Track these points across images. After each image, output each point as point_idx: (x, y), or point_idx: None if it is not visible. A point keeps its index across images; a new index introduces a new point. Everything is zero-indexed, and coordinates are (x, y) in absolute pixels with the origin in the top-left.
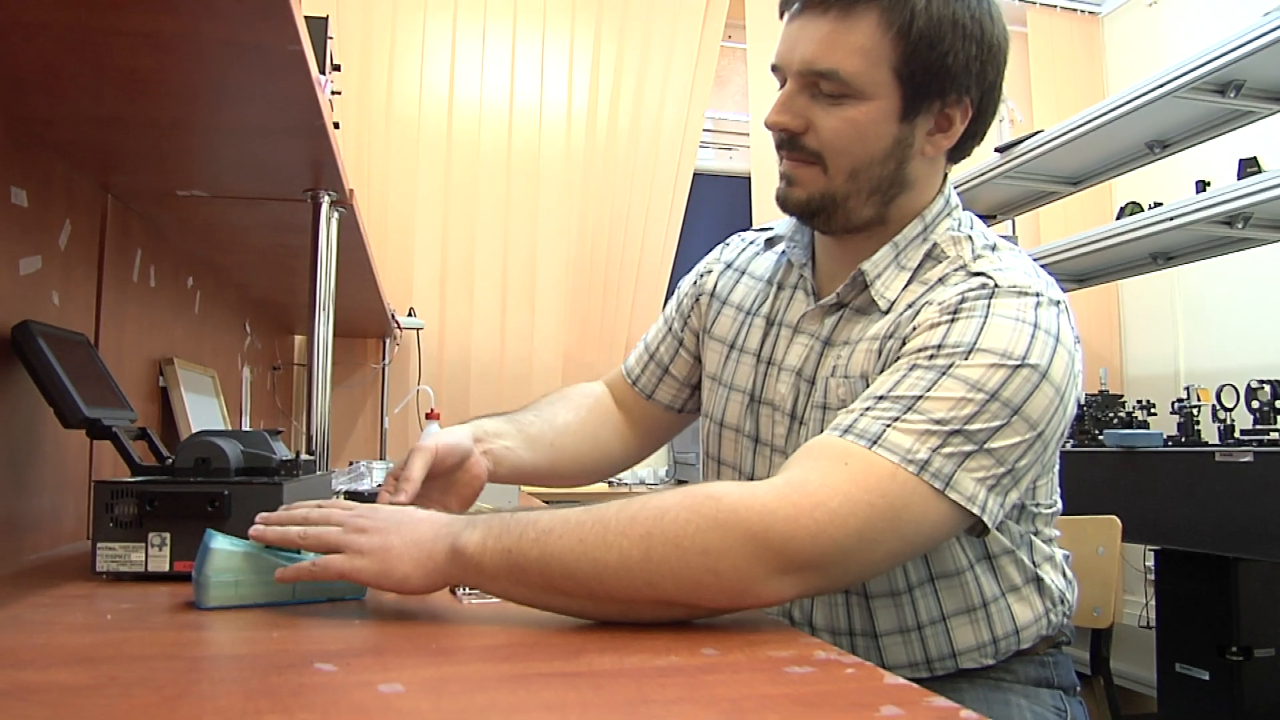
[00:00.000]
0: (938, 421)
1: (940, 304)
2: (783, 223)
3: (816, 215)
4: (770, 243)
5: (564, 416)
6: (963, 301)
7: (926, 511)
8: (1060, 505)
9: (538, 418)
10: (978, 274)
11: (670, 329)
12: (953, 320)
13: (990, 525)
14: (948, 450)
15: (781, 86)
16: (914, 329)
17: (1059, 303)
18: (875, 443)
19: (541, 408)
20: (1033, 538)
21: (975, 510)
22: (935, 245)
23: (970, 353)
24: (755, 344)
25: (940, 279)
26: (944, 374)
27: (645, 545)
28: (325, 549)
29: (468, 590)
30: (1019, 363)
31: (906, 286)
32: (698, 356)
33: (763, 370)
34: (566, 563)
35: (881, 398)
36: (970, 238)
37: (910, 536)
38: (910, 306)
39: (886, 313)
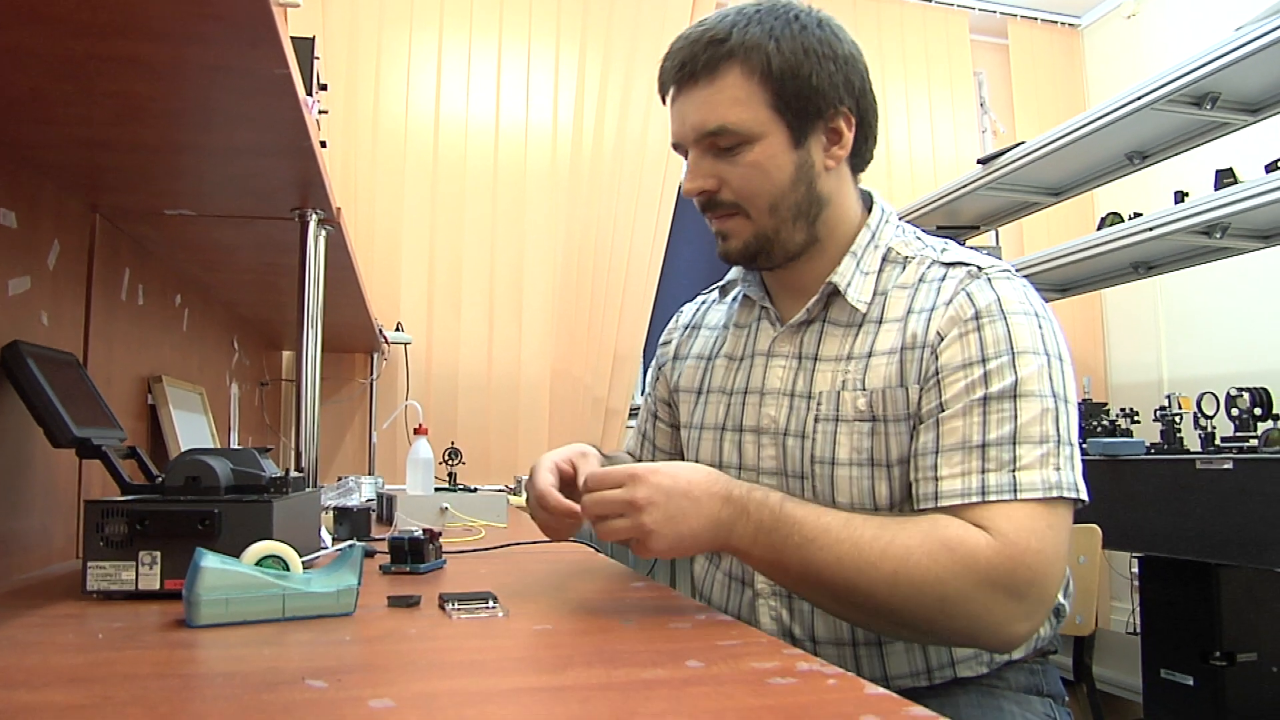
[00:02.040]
0: (1041, 441)
1: (951, 304)
2: (734, 269)
3: (757, 256)
4: (724, 290)
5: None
6: (972, 298)
7: (1070, 515)
8: None
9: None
10: (957, 264)
11: (648, 408)
12: (979, 328)
13: (1087, 500)
14: (1061, 461)
15: (686, 158)
16: (939, 338)
17: (1020, 275)
18: (1016, 491)
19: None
20: None
21: (1084, 497)
22: (890, 249)
23: (1015, 360)
24: (720, 382)
25: (920, 278)
26: (1014, 398)
27: (892, 582)
28: (619, 538)
29: (457, 605)
30: (1048, 356)
31: (885, 294)
32: (674, 425)
33: (738, 401)
34: (823, 576)
35: (984, 446)
36: (918, 237)
37: (1068, 541)
38: (912, 312)
39: (880, 322)
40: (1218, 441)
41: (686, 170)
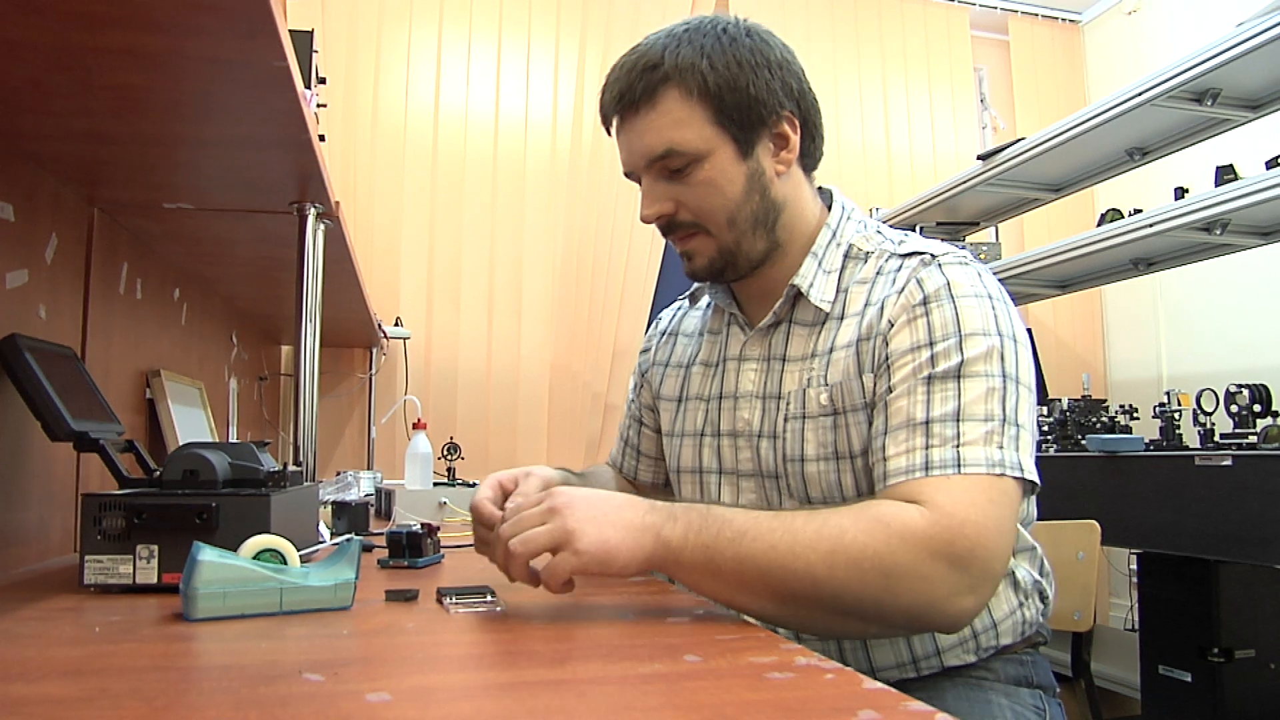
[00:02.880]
0: (985, 419)
1: (903, 291)
2: None
3: (724, 271)
4: (693, 298)
5: (603, 478)
6: (922, 284)
7: (1015, 494)
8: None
9: (588, 476)
10: (911, 253)
11: (631, 414)
12: (927, 313)
13: (1037, 484)
14: (1006, 440)
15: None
16: (890, 325)
17: (985, 267)
18: (959, 467)
19: (591, 481)
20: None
21: (1033, 479)
22: (851, 246)
23: (962, 342)
24: (697, 389)
25: (878, 272)
26: (960, 378)
27: (830, 562)
28: (541, 547)
29: (454, 599)
30: (999, 337)
31: (846, 290)
32: (658, 431)
33: (715, 407)
34: (760, 565)
35: (927, 423)
36: (879, 231)
37: (1015, 520)
38: (869, 305)
39: (841, 319)
40: (1217, 438)
41: (642, 197)
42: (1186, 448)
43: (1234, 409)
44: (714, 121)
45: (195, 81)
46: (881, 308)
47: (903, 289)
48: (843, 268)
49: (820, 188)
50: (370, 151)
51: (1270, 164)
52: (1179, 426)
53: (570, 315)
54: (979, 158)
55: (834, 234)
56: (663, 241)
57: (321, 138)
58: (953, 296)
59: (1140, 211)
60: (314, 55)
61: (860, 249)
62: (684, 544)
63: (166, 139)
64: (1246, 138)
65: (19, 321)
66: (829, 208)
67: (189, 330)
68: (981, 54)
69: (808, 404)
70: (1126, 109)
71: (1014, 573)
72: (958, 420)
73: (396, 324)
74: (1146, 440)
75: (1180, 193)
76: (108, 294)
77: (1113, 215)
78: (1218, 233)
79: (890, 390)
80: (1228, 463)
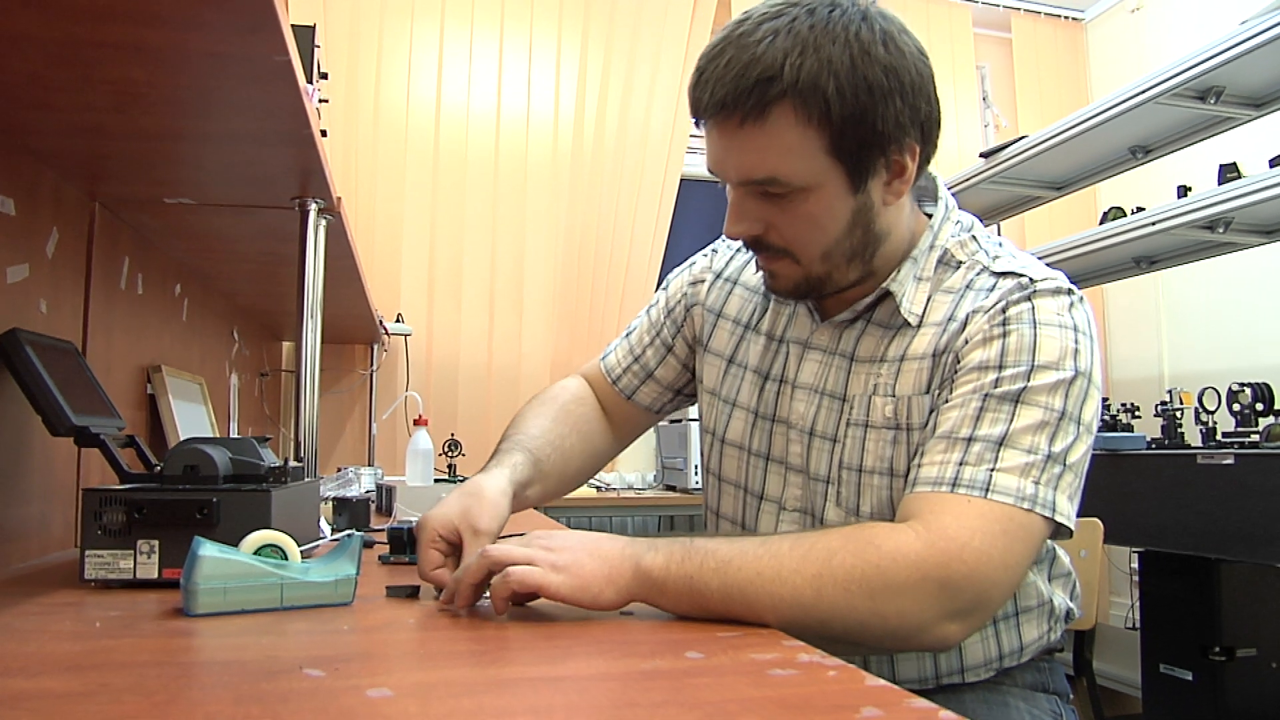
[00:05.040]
0: (1029, 451)
1: (987, 313)
2: None
3: (808, 295)
4: None
5: (570, 440)
6: (1006, 308)
7: (1040, 533)
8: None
9: (554, 452)
10: (1007, 273)
11: (658, 334)
12: (1004, 335)
13: (1073, 530)
14: (1045, 478)
15: (723, 186)
16: (965, 342)
17: (1082, 297)
18: (987, 490)
19: (551, 435)
20: (1056, 549)
21: (1067, 523)
22: (945, 251)
23: (1032, 372)
24: (756, 360)
25: (967, 285)
26: (1018, 403)
27: (816, 585)
28: (521, 576)
29: None
30: (1074, 373)
31: (930, 298)
32: (686, 365)
33: (773, 389)
34: (746, 594)
35: (970, 440)
36: (975, 237)
37: (1029, 558)
38: (952, 320)
39: (918, 327)
40: (1219, 436)
41: (729, 210)
42: (1188, 446)
43: (1236, 407)
44: (828, 151)
45: (197, 76)
46: (964, 325)
47: (989, 310)
48: (935, 273)
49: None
50: (372, 147)
51: (1274, 162)
52: (1181, 425)
53: (571, 311)
54: (981, 155)
55: (934, 236)
56: (665, 236)
57: (323, 133)
58: (1035, 322)
59: (1143, 210)
60: (316, 50)
61: (954, 256)
62: (666, 573)
63: (168, 134)
64: (1250, 136)
65: (20, 316)
66: (928, 194)
67: (190, 325)
68: (984, 51)
69: (872, 412)
70: (1129, 107)
71: (1051, 600)
72: (1000, 445)
73: (398, 320)
74: (1148, 439)
75: (1183, 191)
76: (109, 289)
77: (1115, 213)
78: (1220, 231)
79: (947, 401)
80: (1230, 461)
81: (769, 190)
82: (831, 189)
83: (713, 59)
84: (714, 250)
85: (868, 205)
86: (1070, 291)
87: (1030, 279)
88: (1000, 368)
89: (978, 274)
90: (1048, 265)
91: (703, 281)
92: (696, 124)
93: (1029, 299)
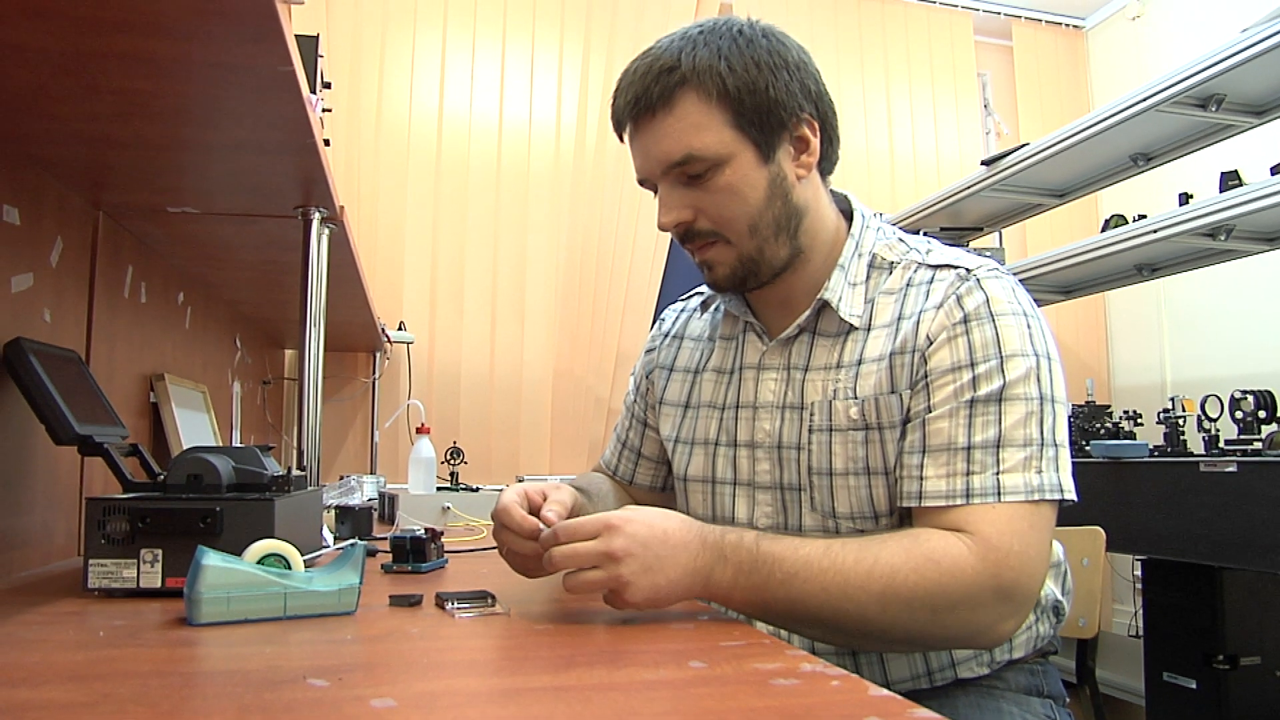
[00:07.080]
0: (1025, 444)
1: (942, 309)
2: None
3: (746, 280)
4: (705, 304)
5: (607, 488)
6: (961, 301)
7: (1053, 514)
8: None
9: (598, 490)
10: (943, 265)
11: (632, 415)
12: (967, 332)
13: (1076, 499)
14: (1045, 463)
15: (655, 193)
16: (928, 341)
17: (1013, 275)
18: (1000, 494)
19: (593, 479)
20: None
21: (1071, 496)
22: (875, 255)
23: (1003, 364)
24: (711, 396)
25: (907, 283)
26: (1001, 401)
27: (881, 603)
28: (594, 589)
29: (457, 604)
30: (1036, 356)
31: (873, 301)
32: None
33: (731, 416)
34: (810, 608)
35: (969, 448)
36: (902, 240)
37: (1051, 538)
38: (902, 319)
39: (868, 330)
40: (1221, 444)
41: (659, 205)
42: (1191, 454)
43: (1239, 415)
44: (733, 125)
45: (200, 86)
46: (917, 322)
47: (940, 304)
48: (867, 278)
49: (833, 191)
50: (374, 156)
51: (1275, 170)
52: (1183, 432)
53: (573, 320)
54: (983, 163)
55: (857, 244)
56: (666, 245)
57: (326, 142)
58: (992, 314)
59: (1144, 217)
60: (319, 60)
61: (884, 258)
62: (734, 587)
63: (171, 143)
64: (1251, 143)
65: (24, 325)
66: (844, 214)
67: (193, 334)
68: (985, 59)
69: (835, 416)
70: (1130, 114)
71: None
72: (998, 447)
73: (400, 328)
74: (1151, 446)
75: (1185, 198)
76: (112, 298)
77: (1117, 221)
78: (1222, 238)
79: (930, 410)
80: (1232, 469)
81: (689, 172)
82: (744, 159)
83: (623, 76)
84: (662, 319)
85: (781, 176)
86: (1006, 275)
87: (967, 269)
88: (973, 365)
89: (914, 271)
90: (1049, 274)
91: (654, 349)
92: (620, 139)
93: (978, 285)
